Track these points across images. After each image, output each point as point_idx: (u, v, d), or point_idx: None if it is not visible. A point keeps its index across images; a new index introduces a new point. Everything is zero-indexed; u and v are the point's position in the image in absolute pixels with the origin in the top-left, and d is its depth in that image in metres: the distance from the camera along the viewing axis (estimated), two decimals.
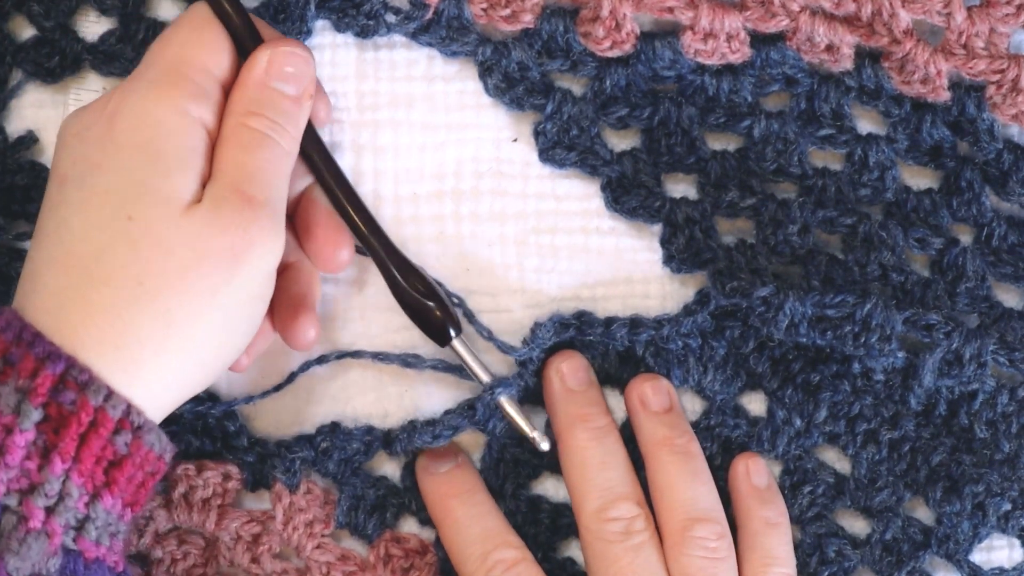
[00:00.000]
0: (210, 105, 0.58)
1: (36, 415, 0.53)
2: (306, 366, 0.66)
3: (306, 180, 0.64)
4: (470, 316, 0.66)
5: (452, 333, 0.64)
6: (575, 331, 0.66)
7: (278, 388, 0.66)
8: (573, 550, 0.67)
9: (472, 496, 0.65)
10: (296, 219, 0.64)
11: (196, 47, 0.59)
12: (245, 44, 0.60)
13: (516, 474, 0.67)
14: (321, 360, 0.66)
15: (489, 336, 0.66)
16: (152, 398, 0.56)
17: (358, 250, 0.65)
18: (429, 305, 0.63)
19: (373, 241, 0.63)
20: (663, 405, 0.66)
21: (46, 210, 0.58)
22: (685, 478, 0.64)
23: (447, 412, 0.66)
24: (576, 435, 0.65)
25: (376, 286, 0.67)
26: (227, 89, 0.60)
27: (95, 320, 0.55)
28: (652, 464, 0.65)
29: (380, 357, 0.66)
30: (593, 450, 0.64)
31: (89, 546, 0.55)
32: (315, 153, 0.62)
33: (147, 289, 0.55)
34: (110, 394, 0.54)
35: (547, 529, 0.66)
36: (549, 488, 0.67)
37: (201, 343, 0.57)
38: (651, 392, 0.66)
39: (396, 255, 0.64)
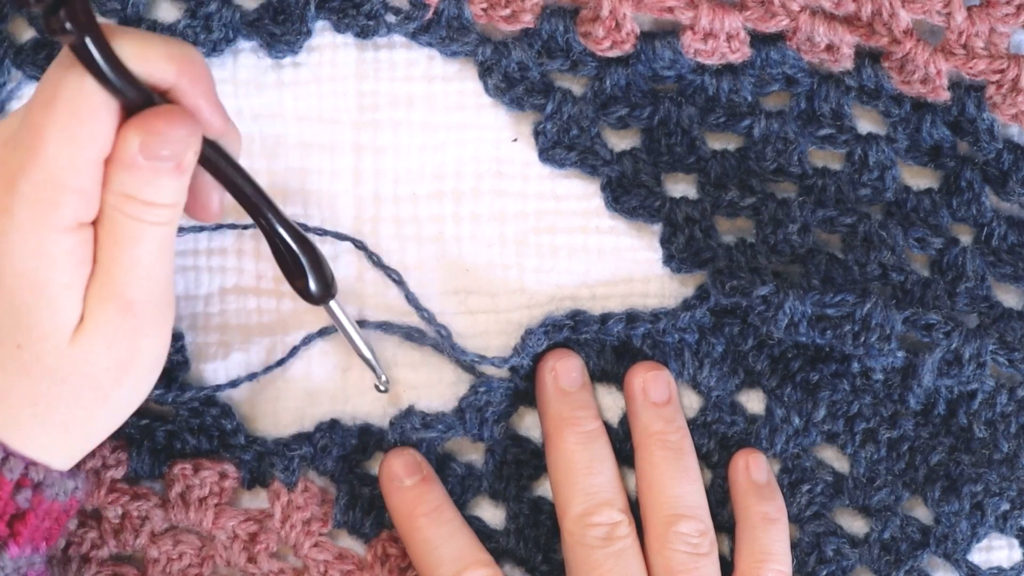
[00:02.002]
0: (95, 197, 0.54)
1: None
2: (308, 339, 0.66)
3: None
4: (455, 347, 0.66)
5: (313, 289, 0.61)
6: (569, 331, 0.66)
7: (281, 363, 0.66)
8: None
9: (441, 514, 0.64)
10: None
11: (75, 143, 0.52)
12: (126, 93, 0.53)
13: (518, 476, 0.67)
14: (323, 332, 0.66)
15: (480, 360, 0.65)
16: (57, 450, 0.57)
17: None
18: (299, 258, 0.61)
19: (246, 190, 0.59)
20: (662, 397, 0.66)
21: None
22: (673, 474, 0.64)
23: (442, 412, 0.65)
24: (565, 438, 0.65)
25: (375, 271, 0.67)
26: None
27: None
28: (642, 456, 0.65)
29: (384, 327, 0.66)
30: (580, 454, 0.64)
31: None
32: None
33: (42, 408, 0.56)
34: (6, 457, 0.55)
35: (548, 531, 0.66)
36: (550, 490, 0.67)
37: (102, 425, 0.58)
38: (652, 382, 0.66)
39: (275, 210, 0.60)
